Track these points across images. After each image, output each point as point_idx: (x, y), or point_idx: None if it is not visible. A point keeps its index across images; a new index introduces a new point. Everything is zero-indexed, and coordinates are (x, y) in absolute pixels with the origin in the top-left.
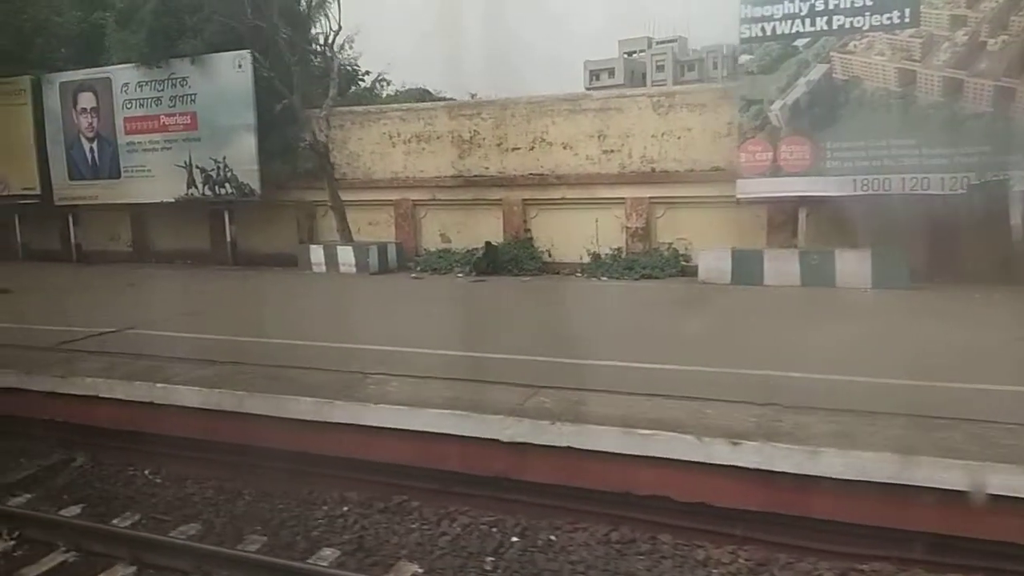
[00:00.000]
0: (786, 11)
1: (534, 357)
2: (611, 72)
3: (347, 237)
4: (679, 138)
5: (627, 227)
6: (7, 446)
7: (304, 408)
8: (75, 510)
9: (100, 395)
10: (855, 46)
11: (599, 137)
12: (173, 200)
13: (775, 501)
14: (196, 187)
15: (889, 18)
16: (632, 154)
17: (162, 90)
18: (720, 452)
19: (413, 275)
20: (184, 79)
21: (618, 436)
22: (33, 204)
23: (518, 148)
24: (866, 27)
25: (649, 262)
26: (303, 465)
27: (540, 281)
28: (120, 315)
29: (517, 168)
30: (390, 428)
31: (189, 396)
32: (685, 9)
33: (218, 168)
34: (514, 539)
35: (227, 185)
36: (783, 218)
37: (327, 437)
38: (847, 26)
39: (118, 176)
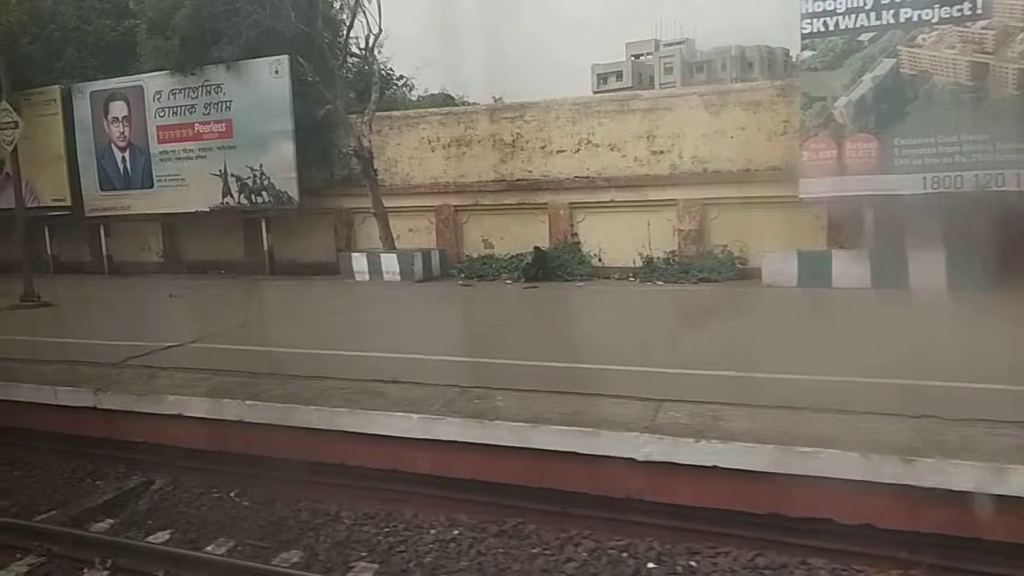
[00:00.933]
0: (850, 5)
1: (637, 368)
2: (619, 75)
3: (390, 244)
4: (732, 137)
5: (679, 229)
6: (80, 467)
7: (409, 425)
8: (163, 536)
9: (184, 414)
10: (923, 39)
11: (648, 138)
12: (208, 209)
13: (951, 522)
14: (232, 196)
15: (959, 10)
16: (683, 154)
17: (196, 97)
18: (891, 470)
19: (460, 282)
20: (219, 86)
21: (774, 454)
22: (63, 215)
23: (563, 151)
24: (935, 20)
25: (705, 265)
26: (404, 485)
27: (596, 286)
28: (175, 328)
29: (562, 171)
30: (503, 446)
31: (283, 414)
32: (697, 8)
33: (254, 176)
34: (651, 565)
35: (264, 193)
36: (845, 218)
37: (430, 455)
38: (915, 19)
39: (151, 186)
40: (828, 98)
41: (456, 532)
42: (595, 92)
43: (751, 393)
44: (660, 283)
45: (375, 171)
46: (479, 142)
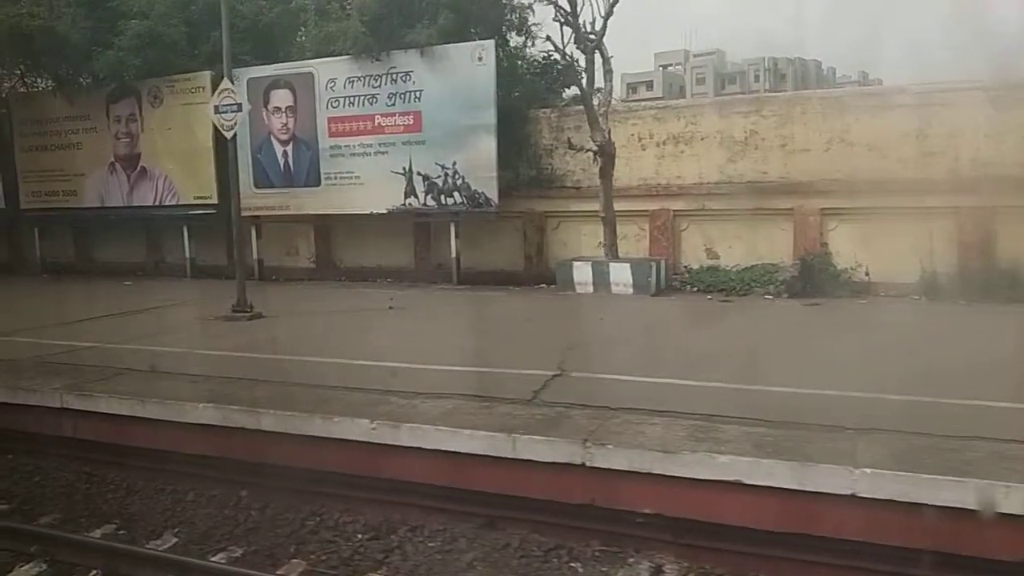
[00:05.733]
0: None
1: None
2: (649, 85)
3: (614, 253)
4: None
5: (961, 241)
6: (528, 540)
7: None
8: None
9: (744, 481)
10: None
11: (917, 137)
12: (386, 211)
13: None
14: (416, 196)
15: None
16: (960, 156)
17: (378, 86)
18: None
19: (713, 298)
20: (407, 74)
21: None
22: (205, 215)
23: (808, 149)
24: None
25: (1002, 282)
26: None
27: (891, 304)
28: (490, 349)
29: (805, 172)
30: None
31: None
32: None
33: (445, 175)
34: None
35: (456, 194)
36: None
37: None
38: None
39: (317, 184)
40: None
41: None
42: (624, 101)
43: None
44: (962, 303)
45: (613, 170)
46: (702, 139)
